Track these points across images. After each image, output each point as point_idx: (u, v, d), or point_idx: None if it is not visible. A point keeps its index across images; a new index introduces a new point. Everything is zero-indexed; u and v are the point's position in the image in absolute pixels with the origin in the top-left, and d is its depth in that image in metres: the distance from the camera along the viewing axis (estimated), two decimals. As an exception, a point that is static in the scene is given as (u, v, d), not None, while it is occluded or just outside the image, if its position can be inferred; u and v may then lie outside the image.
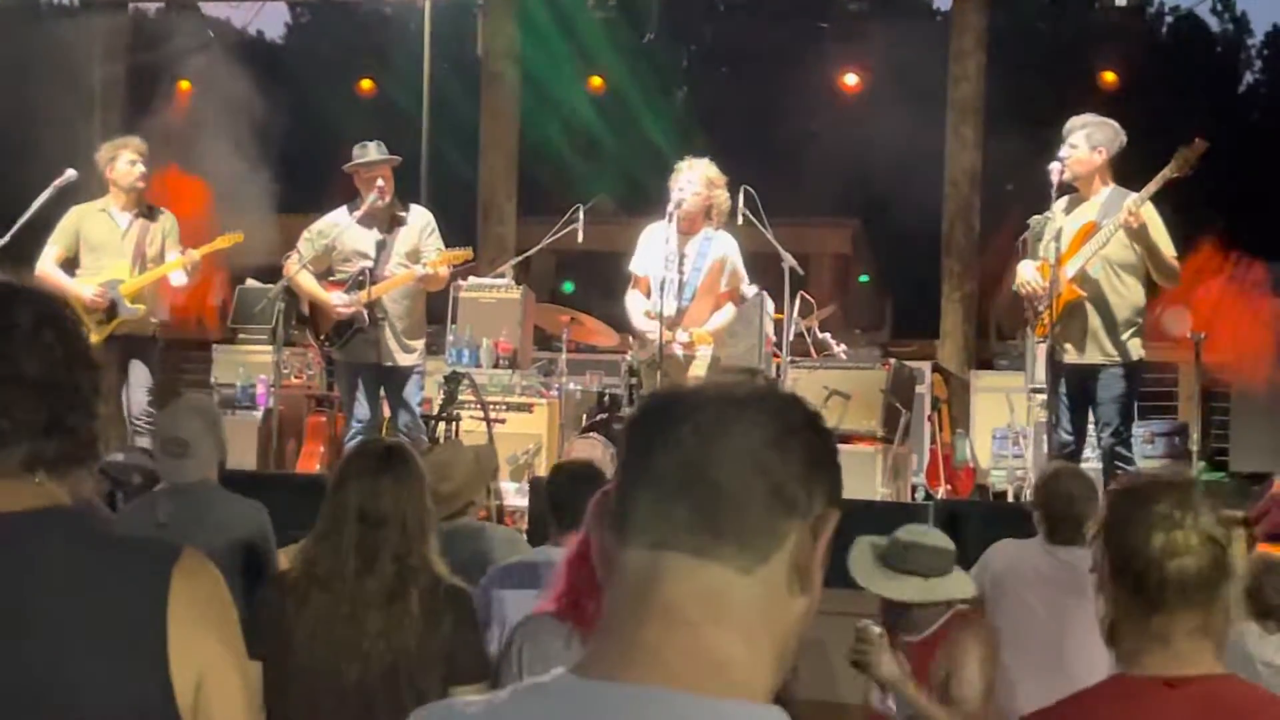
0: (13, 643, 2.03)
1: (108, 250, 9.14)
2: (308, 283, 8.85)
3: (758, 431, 1.42)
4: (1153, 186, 7.50)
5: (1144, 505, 2.49)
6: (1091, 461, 8.15)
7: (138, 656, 2.06)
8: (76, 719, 2.02)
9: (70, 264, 9.19)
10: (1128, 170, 7.86)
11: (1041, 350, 7.94)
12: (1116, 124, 7.83)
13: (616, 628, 1.42)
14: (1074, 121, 7.80)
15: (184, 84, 14.51)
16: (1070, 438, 7.77)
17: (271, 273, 9.64)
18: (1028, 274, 7.87)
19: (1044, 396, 8.15)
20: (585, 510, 4.87)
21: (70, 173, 9.26)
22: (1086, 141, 7.71)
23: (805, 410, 1.48)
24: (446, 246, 8.91)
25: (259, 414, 10.27)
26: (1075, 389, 7.77)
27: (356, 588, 3.81)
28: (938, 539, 4.65)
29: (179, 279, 9.23)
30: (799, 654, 1.48)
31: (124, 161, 9.10)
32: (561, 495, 4.82)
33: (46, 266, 9.15)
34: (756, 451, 1.41)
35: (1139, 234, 7.46)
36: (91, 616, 2.05)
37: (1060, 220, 7.72)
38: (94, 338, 9.11)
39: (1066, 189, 7.74)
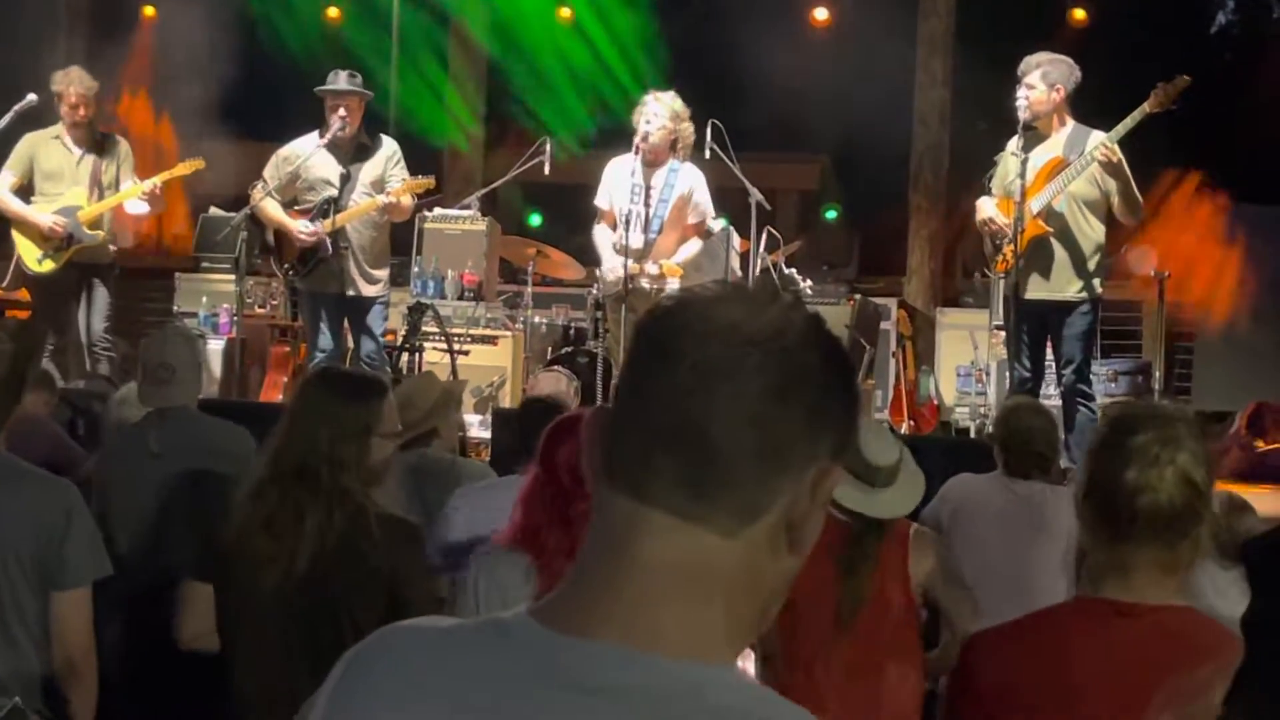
0: None
1: (63, 178, 9.16)
2: (273, 210, 8.79)
3: (760, 380, 1.29)
4: (1130, 121, 7.50)
5: (1127, 435, 2.47)
6: (1053, 399, 8.19)
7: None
8: None
9: (24, 191, 9.19)
10: (1095, 108, 7.86)
11: (1002, 286, 7.96)
12: (1070, 60, 7.83)
13: (589, 579, 1.34)
14: (1028, 61, 7.79)
15: (149, 9, 14.34)
16: (1029, 374, 7.80)
17: (236, 200, 9.57)
18: (989, 210, 7.88)
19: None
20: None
21: (31, 97, 9.23)
22: (1043, 80, 7.71)
23: (823, 349, 1.34)
24: (412, 177, 8.86)
25: (222, 343, 10.22)
26: (1035, 325, 7.79)
27: (293, 508, 3.80)
28: (894, 447, 4.54)
29: (138, 207, 9.22)
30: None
31: (66, 105, 9.14)
32: (531, 428, 4.84)
33: (1, 193, 9.13)
34: (757, 403, 1.29)
35: (1115, 168, 7.47)
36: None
37: (1019, 157, 7.70)
38: (44, 266, 9.10)
39: (1027, 128, 7.73)
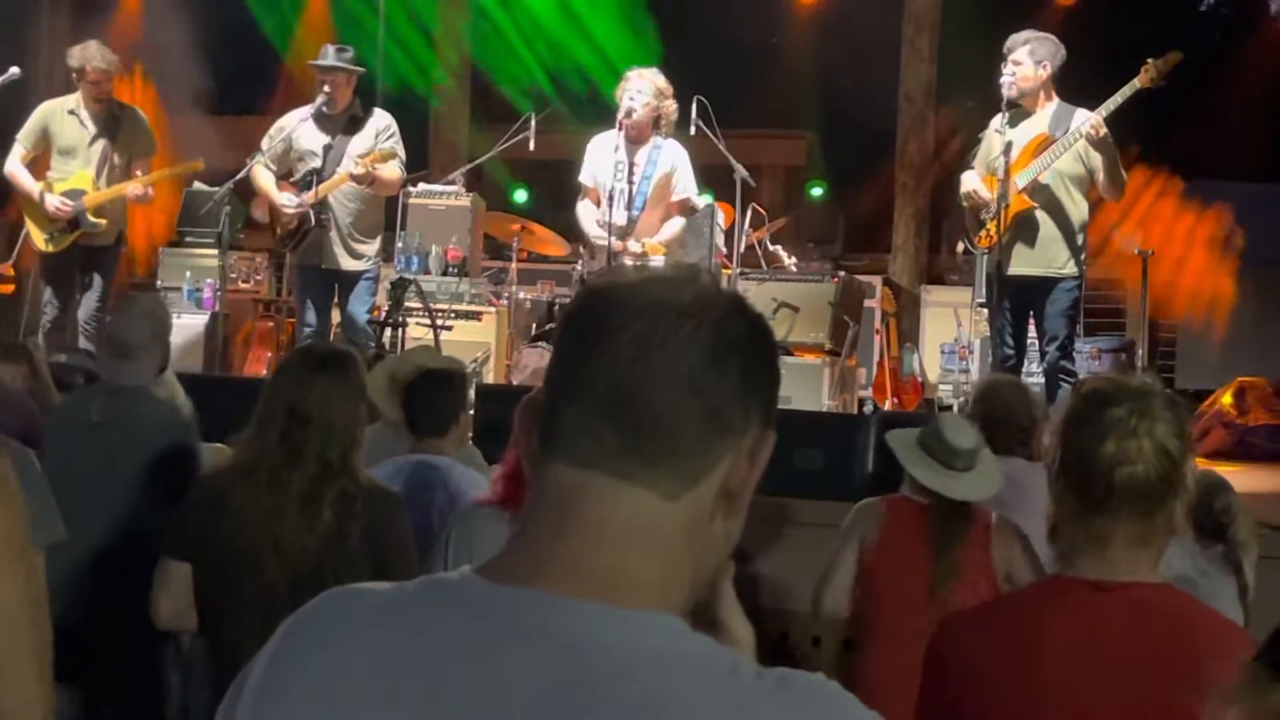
0: None
1: (75, 156, 9.08)
2: (264, 181, 8.80)
3: (696, 348, 1.35)
4: (1120, 97, 7.50)
5: (1102, 408, 2.47)
6: (1036, 376, 8.20)
7: None
8: None
9: (37, 162, 9.13)
10: (1081, 88, 7.85)
11: (985, 263, 7.95)
12: (1055, 38, 7.83)
13: (532, 540, 1.38)
14: (1014, 39, 7.78)
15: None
16: (1012, 351, 7.81)
17: (219, 175, 9.55)
18: (973, 183, 7.88)
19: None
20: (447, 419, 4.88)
21: (14, 70, 9.15)
22: (1030, 57, 7.70)
23: (749, 320, 1.40)
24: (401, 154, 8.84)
25: (205, 318, 10.19)
26: (1018, 302, 7.79)
27: (278, 482, 3.80)
28: (972, 434, 4.69)
29: (136, 193, 9.16)
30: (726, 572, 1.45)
31: (89, 81, 9.02)
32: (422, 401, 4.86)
33: (14, 166, 9.13)
34: (694, 370, 1.35)
35: (1102, 144, 7.47)
36: None
37: (1004, 135, 7.69)
38: (49, 247, 9.08)
39: (1012, 105, 7.73)
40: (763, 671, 1.33)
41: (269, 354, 10.63)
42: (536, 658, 1.31)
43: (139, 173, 9.13)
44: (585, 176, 8.90)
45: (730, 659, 1.34)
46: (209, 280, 10.39)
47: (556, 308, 9.86)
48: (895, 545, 4.59)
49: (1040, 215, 7.67)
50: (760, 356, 1.41)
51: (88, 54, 9.03)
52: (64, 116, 9.11)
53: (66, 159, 9.09)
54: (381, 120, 8.85)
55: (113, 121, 9.13)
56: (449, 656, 1.33)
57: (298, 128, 8.74)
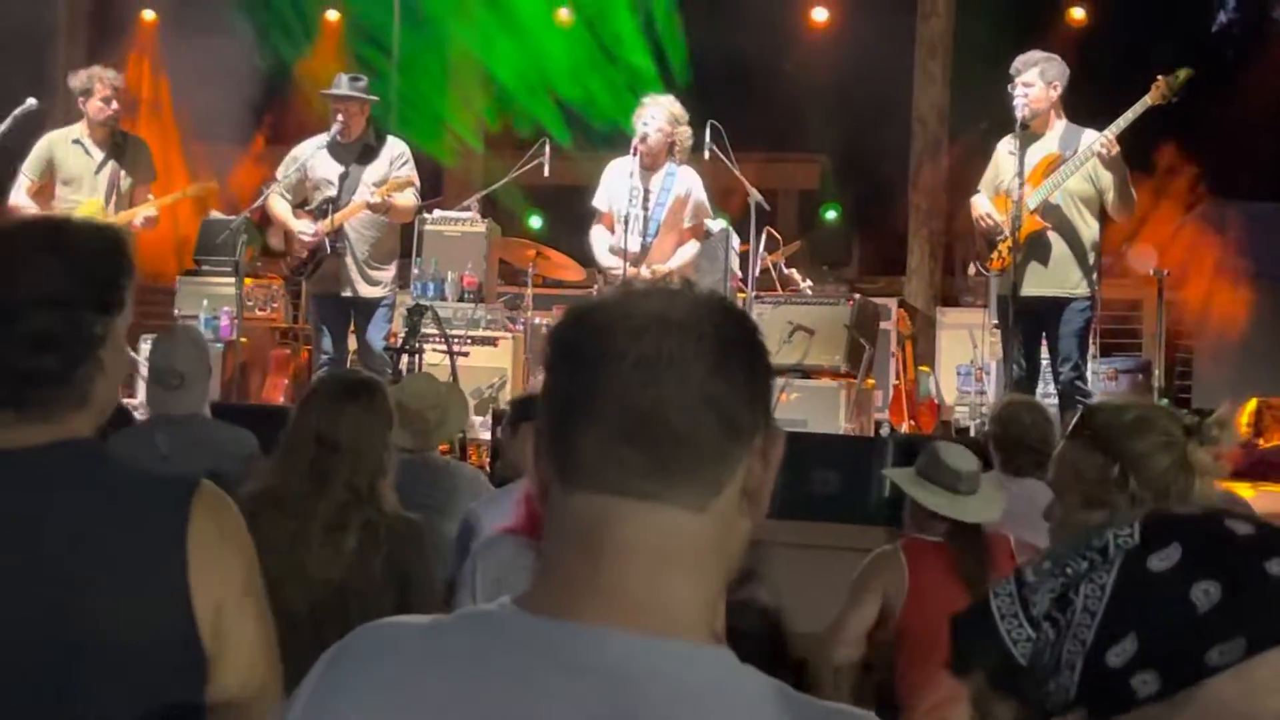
0: (32, 575, 2.06)
1: (81, 185, 9.08)
2: (280, 209, 8.84)
3: (702, 361, 1.36)
4: (1131, 114, 7.51)
5: (1165, 433, 2.57)
6: (1051, 397, 8.19)
7: (160, 588, 2.08)
8: (98, 651, 2.04)
9: (41, 193, 9.13)
10: (1094, 108, 7.86)
11: (997, 284, 7.95)
12: (1060, 58, 7.84)
13: (565, 570, 1.38)
14: (1024, 59, 7.80)
15: (148, 15, 14.33)
16: (1025, 372, 7.81)
17: (237, 203, 9.59)
18: (985, 206, 7.88)
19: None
20: None
21: (31, 102, 9.17)
22: (1041, 78, 7.73)
23: (740, 321, 1.43)
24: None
25: (222, 346, 10.21)
26: (1031, 322, 7.80)
27: (305, 509, 3.81)
28: (972, 457, 4.69)
29: (148, 215, 9.18)
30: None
31: (98, 99, 8.99)
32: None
33: (20, 199, 9.10)
34: (704, 383, 1.36)
35: (1114, 162, 7.48)
36: (110, 549, 2.07)
37: (1015, 156, 7.70)
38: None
39: (1023, 126, 7.74)
40: (814, 702, 1.35)
41: (285, 381, 10.65)
42: (583, 692, 1.31)
43: (149, 197, 9.16)
44: (600, 201, 8.93)
45: (781, 691, 1.34)
46: (225, 308, 10.41)
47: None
48: (928, 591, 4.50)
49: (1052, 236, 7.68)
50: (757, 354, 1.43)
51: (94, 73, 9.06)
52: (68, 146, 9.12)
53: (72, 188, 9.08)
54: (396, 148, 8.90)
55: (117, 149, 9.14)
56: (494, 693, 1.32)
57: (313, 156, 8.78)
